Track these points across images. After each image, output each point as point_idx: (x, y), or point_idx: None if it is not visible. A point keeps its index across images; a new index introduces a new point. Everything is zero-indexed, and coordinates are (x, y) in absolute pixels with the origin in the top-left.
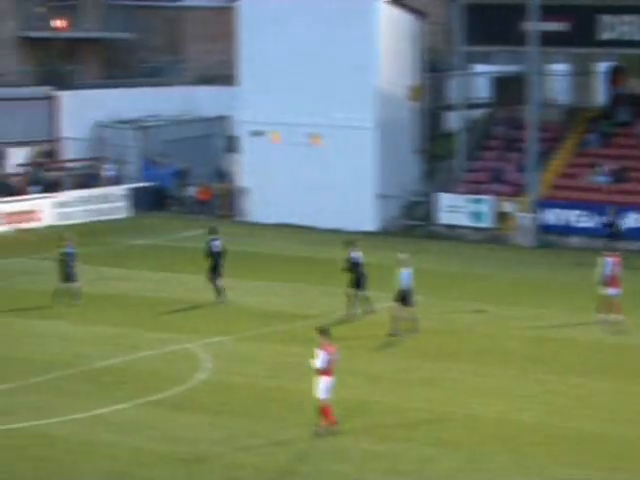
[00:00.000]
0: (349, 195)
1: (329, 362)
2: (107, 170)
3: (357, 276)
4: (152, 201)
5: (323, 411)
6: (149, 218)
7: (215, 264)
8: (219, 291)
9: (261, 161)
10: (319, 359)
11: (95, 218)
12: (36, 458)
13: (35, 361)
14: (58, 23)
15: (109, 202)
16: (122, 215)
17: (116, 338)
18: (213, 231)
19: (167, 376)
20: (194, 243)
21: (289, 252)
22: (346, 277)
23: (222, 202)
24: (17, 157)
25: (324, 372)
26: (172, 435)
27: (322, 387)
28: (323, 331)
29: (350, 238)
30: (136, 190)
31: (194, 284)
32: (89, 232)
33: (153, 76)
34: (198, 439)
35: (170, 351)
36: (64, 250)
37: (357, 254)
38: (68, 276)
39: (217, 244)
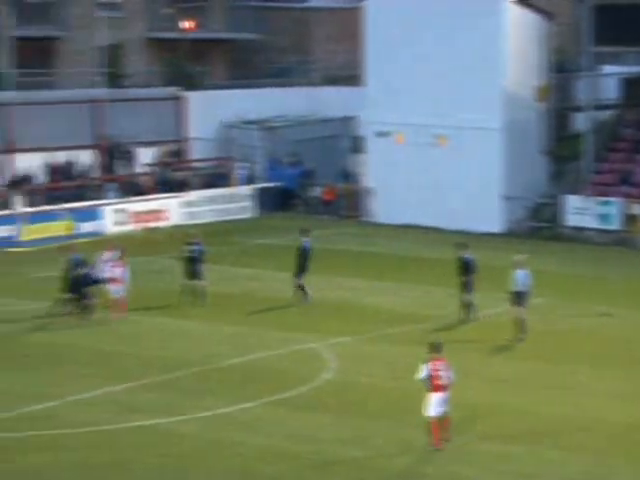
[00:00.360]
0: (475, 196)
1: (436, 378)
2: (239, 170)
3: (465, 279)
4: (277, 201)
5: (430, 429)
6: (274, 218)
7: (302, 264)
8: (303, 291)
9: (386, 162)
10: (422, 373)
11: (221, 218)
12: (163, 455)
13: (163, 359)
14: (186, 24)
15: (235, 202)
16: (248, 215)
17: (242, 337)
18: (304, 231)
19: (292, 375)
20: (319, 243)
21: (414, 253)
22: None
23: (347, 203)
24: (145, 157)
25: (433, 388)
26: (297, 434)
27: (429, 404)
28: (433, 346)
29: (461, 240)
30: (262, 190)
31: (318, 284)
32: (215, 232)
33: (279, 77)
34: (322, 438)
35: (295, 350)
36: (191, 248)
37: (469, 256)
38: (194, 274)
39: (306, 245)
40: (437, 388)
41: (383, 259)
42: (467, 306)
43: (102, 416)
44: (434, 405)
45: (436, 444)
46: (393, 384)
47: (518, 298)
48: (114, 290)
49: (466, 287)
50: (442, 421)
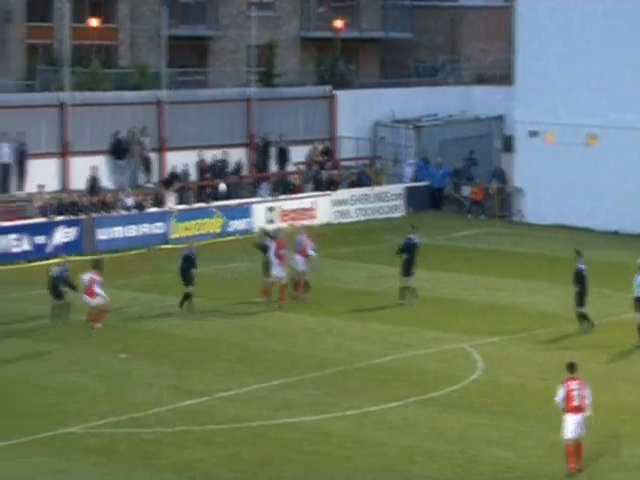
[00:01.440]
0: (627, 197)
1: (571, 399)
2: (406, 167)
3: (580, 290)
4: (427, 200)
5: (567, 453)
6: (423, 217)
7: (409, 262)
8: (412, 290)
9: (536, 161)
10: (559, 396)
11: (371, 217)
12: (309, 452)
13: (311, 357)
14: (337, 23)
15: (385, 201)
16: (398, 214)
17: (390, 336)
18: (413, 228)
19: (440, 375)
20: (468, 243)
21: (564, 253)
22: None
23: (497, 202)
24: (298, 155)
25: (568, 409)
26: (444, 434)
27: (565, 426)
28: (567, 365)
29: (579, 248)
30: (411, 189)
31: (468, 283)
32: (365, 230)
33: (430, 76)
34: (469, 438)
35: (443, 350)
36: None
37: (581, 266)
38: None
39: (415, 242)
40: (572, 409)
41: (532, 259)
42: (582, 318)
43: (250, 413)
44: (569, 427)
45: (571, 469)
46: (542, 385)
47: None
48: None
49: (577, 299)
50: (577, 446)
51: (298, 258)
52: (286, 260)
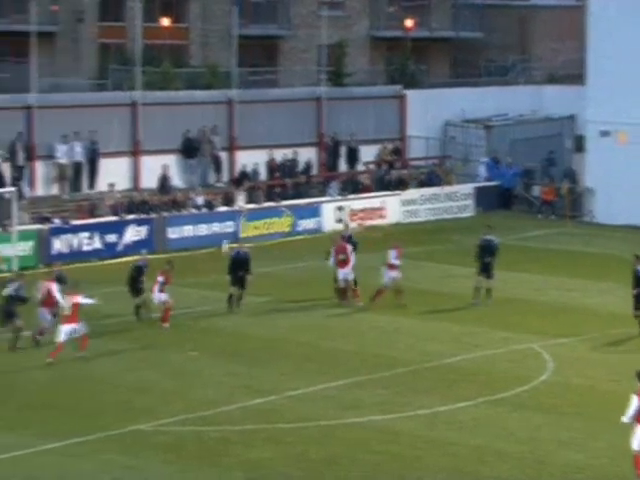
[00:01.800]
0: None
1: None
2: (480, 166)
3: (638, 293)
4: (497, 200)
5: (635, 463)
6: (493, 217)
7: (485, 263)
8: (489, 291)
9: (607, 161)
10: (631, 407)
11: (440, 216)
12: (378, 452)
13: (380, 356)
14: (408, 23)
15: (455, 201)
16: (468, 214)
17: (460, 336)
18: (489, 229)
19: (510, 375)
20: (538, 243)
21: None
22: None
23: (568, 202)
24: (368, 155)
25: (637, 420)
26: (514, 434)
27: (636, 437)
28: (637, 375)
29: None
30: (481, 189)
31: (538, 284)
32: (435, 230)
33: (500, 75)
34: (539, 439)
35: (513, 350)
36: None
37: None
38: None
39: (493, 242)
40: None
41: (603, 259)
42: None
43: (319, 412)
44: (638, 439)
45: None
46: (613, 387)
47: None
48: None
49: (635, 302)
50: None
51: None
52: (347, 264)
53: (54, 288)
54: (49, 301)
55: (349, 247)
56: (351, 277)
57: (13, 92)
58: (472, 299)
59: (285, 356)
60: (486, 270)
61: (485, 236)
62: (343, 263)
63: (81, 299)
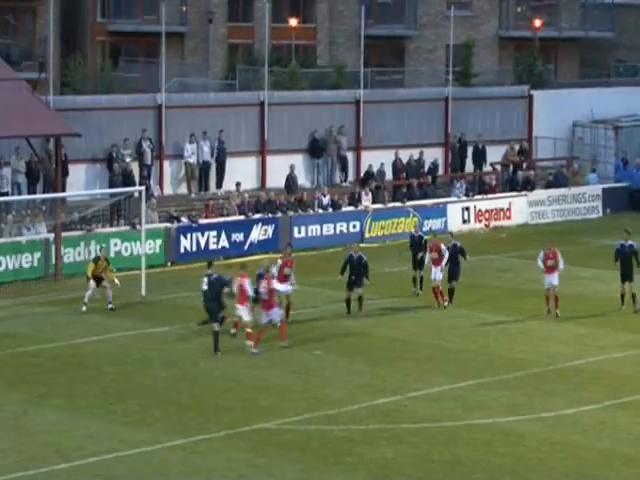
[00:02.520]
0: None
1: None
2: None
3: None
4: (625, 201)
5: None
6: (623, 219)
7: (626, 268)
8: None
9: None
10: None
11: (568, 218)
12: (502, 454)
13: (504, 358)
14: (536, 22)
15: (582, 202)
16: (595, 215)
17: (584, 338)
18: (628, 234)
19: (635, 379)
20: None
21: None
22: None
23: None
24: (494, 155)
25: None
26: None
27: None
28: None
29: None
30: (609, 190)
31: None
32: (563, 231)
33: (630, 75)
34: None
35: (638, 354)
36: None
37: None
38: None
39: (633, 247)
40: None
41: None
42: None
43: (442, 412)
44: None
45: None
46: None
47: None
48: None
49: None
50: None
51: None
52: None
53: (246, 282)
54: (244, 296)
55: (442, 246)
56: (439, 277)
57: (143, 92)
58: (622, 305)
59: (409, 356)
60: (627, 275)
61: (624, 241)
62: (436, 262)
63: (278, 285)
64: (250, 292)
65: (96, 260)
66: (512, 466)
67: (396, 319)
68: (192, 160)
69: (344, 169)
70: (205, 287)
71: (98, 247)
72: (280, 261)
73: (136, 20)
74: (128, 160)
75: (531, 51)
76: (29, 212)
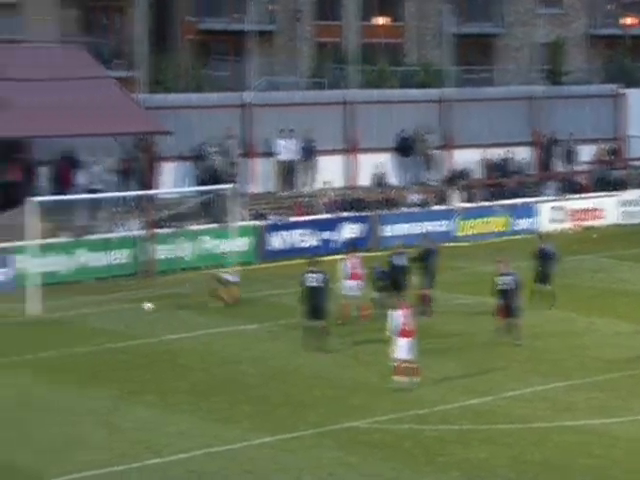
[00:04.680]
0: None
1: None
2: None
3: None
4: None
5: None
6: None
7: None
8: None
9: None
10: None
11: None
12: (595, 457)
13: (597, 359)
14: (627, 20)
15: None
16: None
17: None
18: None
19: None
20: None
21: None
22: None
23: None
24: (584, 155)
25: None
26: None
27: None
28: None
29: None
30: None
31: None
32: None
33: None
34: None
35: None
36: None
37: None
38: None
39: None
40: None
41: None
42: None
43: (535, 413)
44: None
45: None
46: None
47: None
48: None
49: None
50: None
51: None
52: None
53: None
54: (356, 274)
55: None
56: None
57: (231, 90)
58: None
59: (500, 356)
60: None
61: None
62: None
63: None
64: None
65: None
66: (608, 469)
67: (487, 319)
68: (281, 158)
69: (432, 168)
70: (312, 283)
71: (188, 245)
72: (348, 263)
73: (225, 19)
74: (216, 158)
75: (622, 49)
76: (120, 210)
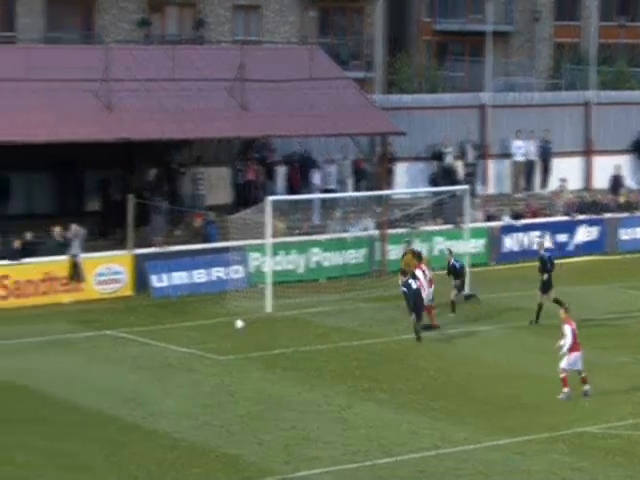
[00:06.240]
0: None
1: None
2: None
3: None
4: None
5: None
6: None
7: None
8: None
9: None
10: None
11: None
12: None
13: None
14: None
15: None
16: None
17: None
18: None
19: None
20: None
21: None
22: None
23: None
24: None
25: None
26: None
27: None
28: None
29: None
30: None
31: None
32: None
33: None
34: None
35: None
36: None
37: None
38: None
39: None
40: None
41: None
42: None
43: None
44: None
45: None
46: None
47: None
48: None
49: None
50: None
51: None
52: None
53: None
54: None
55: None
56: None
57: (466, 91)
58: None
59: None
60: None
61: None
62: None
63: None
64: None
65: (404, 255)
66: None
67: None
68: (519, 158)
69: None
70: None
71: (421, 245)
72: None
73: (462, 19)
74: (450, 159)
75: None
76: (354, 209)
